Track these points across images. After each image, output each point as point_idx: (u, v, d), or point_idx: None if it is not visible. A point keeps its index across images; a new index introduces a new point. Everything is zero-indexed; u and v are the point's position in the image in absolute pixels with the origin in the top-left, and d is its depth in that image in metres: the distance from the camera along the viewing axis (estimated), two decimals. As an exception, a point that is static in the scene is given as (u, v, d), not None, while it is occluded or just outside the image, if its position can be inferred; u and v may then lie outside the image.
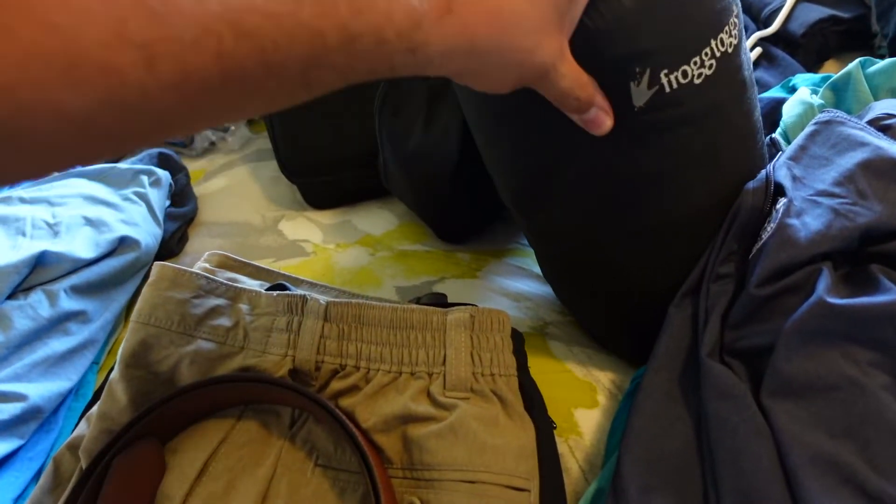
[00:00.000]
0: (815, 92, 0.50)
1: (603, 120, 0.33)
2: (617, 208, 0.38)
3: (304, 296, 0.38)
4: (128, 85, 0.18)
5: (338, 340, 0.37)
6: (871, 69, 0.48)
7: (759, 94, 0.58)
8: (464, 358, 0.36)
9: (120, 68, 0.17)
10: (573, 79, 0.31)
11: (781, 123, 0.50)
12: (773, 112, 0.54)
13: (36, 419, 0.47)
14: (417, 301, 0.42)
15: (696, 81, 0.33)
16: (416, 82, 0.45)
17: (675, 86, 0.33)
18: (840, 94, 0.49)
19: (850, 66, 0.48)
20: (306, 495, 0.36)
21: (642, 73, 0.32)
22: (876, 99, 0.47)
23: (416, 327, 0.36)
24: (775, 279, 0.36)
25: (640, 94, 0.33)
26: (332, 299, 0.38)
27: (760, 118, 0.41)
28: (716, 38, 0.33)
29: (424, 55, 0.24)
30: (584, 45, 0.31)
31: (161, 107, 0.19)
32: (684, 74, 0.33)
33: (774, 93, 0.57)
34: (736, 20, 0.35)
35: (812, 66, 0.64)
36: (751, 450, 0.32)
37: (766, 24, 0.65)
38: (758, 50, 0.64)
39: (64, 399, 0.49)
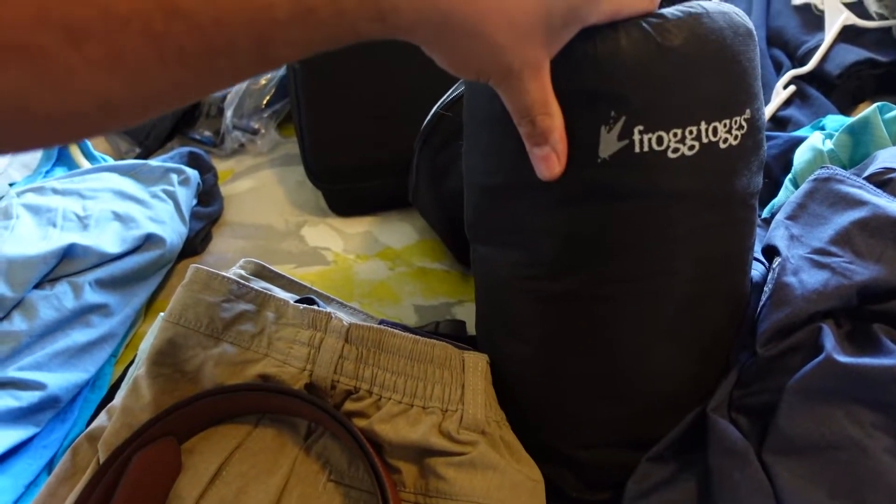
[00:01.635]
0: (829, 137, 0.50)
1: (553, 164, 0.31)
2: (549, 267, 0.35)
3: (329, 313, 0.39)
4: (54, 64, 0.18)
5: (355, 363, 0.38)
6: (890, 115, 0.48)
7: (790, 132, 0.59)
8: (480, 400, 0.37)
9: (43, 47, 0.18)
10: (538, 100, 0.29)
11: (793, 169, 0.51)
12: (790, 151, 0.54)
13: (53, 408, 0.48)
14: (436, 326, 0.43)
15: (671, 155, 0.31)
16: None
17: (646, 148, 0.31)
18: (857, 139, 0.49)
19: (868, 111, 0.48)
20: (317, 508, 0.37)
21: (616, 119, 0.31)
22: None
23: (434, 362, 0.37)
24: (778, 338, 0.36)
25: (609, 143, 0.31)
26: (356, 321, 0.39)
27: (752, 249, 0.39)
28: (708, 123, 0.32)
29: (394, 24, 0.23)
30: (567, 65, 0.30)
31: (99, 87, 0.19)
32: (659, 141, 0.31)
33: (804, 132, 0.57)
34: (744, 125, 0.33)
35: (846, 108, 0.63)
36: None
37: (802, 63, 0.65)
38: (791, 88, 0.64)
39: (80, 390, 0.50)
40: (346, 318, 0.39)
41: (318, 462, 0.38)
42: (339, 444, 0.38)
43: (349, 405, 0.38)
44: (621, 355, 0.36)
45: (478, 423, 0.36)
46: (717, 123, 0.32)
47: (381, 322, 0.41)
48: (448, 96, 0.50)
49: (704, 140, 0.32)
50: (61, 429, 0.49)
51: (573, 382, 0.37)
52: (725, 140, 0.32)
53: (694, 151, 0.32)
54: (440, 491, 0.35)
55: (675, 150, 0.31)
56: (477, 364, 0.37)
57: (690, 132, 0.31)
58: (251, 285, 0.41)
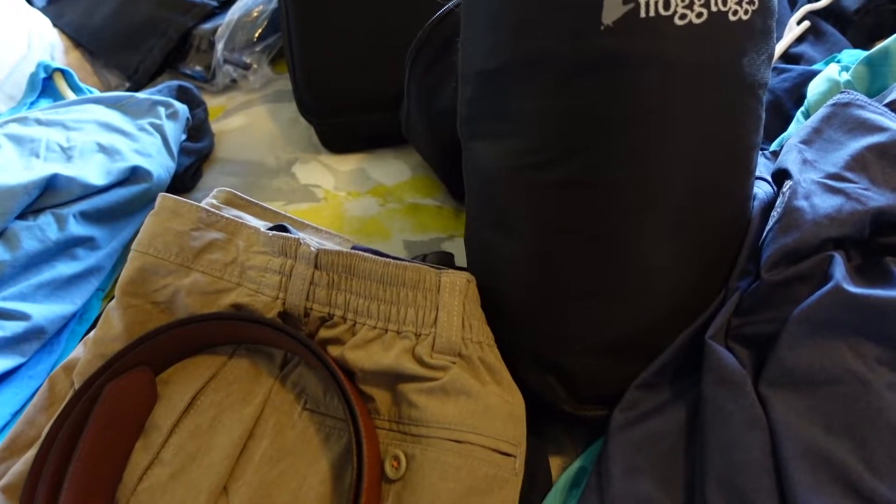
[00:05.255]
0: (846, 69, 0.48)
1: None
2: (546, 153, 0.33)
3: (298, 239, 0.37)
4: None
5: (327, 289, 0.37)
6: (910, 45, 0.45)
7: (802, 67, 0.56)
8: (455, 322, 0.35)
9: None
10: None
11: (805, 101, 0.48)
12: (803, 85, 0.51)
13: (38, 339, 0.47)
14: (423, 258, 0.41)
15: (678, 22, 0.30)
16: (454, 39, 0.42)
17: (652, 13, 0.30)
18: (875, 70, 0.46)
19: (889, 41, 0.45)
20: (291, 437, 0.36)
21: None
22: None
23: (407, 285, 0.35)
24: (785, 264, 0.34)
25: (613, 7, 0.30)
26: (324, 246, 0.37)
27: (758, 149, 0.37)
28: None
29: None
30: None
31: None
32: (666, 5, 0.30)
33: (818, 68, 0.54)
34: (755, 0, 0.32)
35: (862, 45, 0.59)
36: (743, 440, 0.31)
37: (818, -2, 0.61)
38: (805, 23, 0.60)
39: (67, 322, 0.49)
40: (316, 243, 0.37)
41: (294, 391, 0.38)
42: (315, 373, 0.37)
43: (324, 332, 0.37)
44: (618, 248, 0.33)
45: (452, 346, 0.34)
46: None
47: (354, 247, 0.39)
48: (438, 14, 0.47)
49: (713, 8, 0.30)
50: (48, 360, 0.48)
51: (565, 277, 0.35)
52: (735, 12, 0.31)
53: (702, 19, 0.30)
54: (412, 418, 0.33)
55: (683, 17, 0.30)
56: (455, 283, 0.35)
57: None
58: (221, 213, 0.39)
